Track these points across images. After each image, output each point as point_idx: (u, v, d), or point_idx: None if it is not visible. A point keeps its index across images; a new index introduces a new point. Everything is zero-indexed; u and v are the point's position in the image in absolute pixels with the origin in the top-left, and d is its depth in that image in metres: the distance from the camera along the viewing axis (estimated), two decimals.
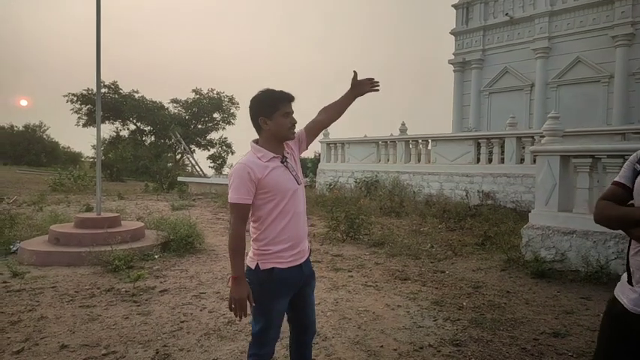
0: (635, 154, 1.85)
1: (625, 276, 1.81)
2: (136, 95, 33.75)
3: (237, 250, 2.20)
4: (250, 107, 2.32)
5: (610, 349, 1.80)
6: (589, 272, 5.39)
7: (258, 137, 2.36)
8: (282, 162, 2.29)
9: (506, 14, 17.31)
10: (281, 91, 2.31)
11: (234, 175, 2.20)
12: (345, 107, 2.63)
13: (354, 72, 2.57)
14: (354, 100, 2.63)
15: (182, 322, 4.08)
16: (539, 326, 4.04)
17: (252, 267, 2.26)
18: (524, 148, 11.08)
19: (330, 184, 15.01)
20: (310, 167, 19.24)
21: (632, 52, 14.27)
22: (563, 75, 15.87)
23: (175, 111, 35.41)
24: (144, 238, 7.07)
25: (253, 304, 2.20)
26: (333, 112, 2.60)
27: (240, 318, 2.21)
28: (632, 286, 1.74)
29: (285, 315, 2.43)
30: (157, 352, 3.45)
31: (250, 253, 2.30)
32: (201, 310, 4.38)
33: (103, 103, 31.05)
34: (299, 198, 2.32)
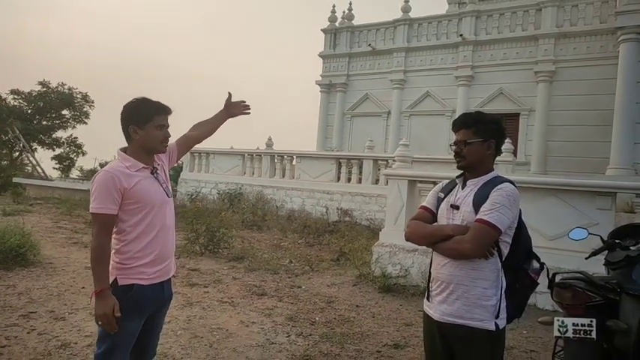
0: (440, 183, 2.29)
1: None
2: None
3: (100, 262, 2.04)
4: (122, 113, 2.19)
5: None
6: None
7: (126, 145, 2.23)
8: (151, 173, 2.20)
9: (369, 45, 18.64)
10: (158, 102, 2.22)
11: (97, 183, 2.05)
12: (218, 126, 2.71)
13: (229, 93, 2.67)
14: (226, 120, 2.72)
15: (2, 347, 3.54)
16: (383, 338, 4.33)
17: (109, 281, 2.08)
18: (379, 170, 11.94)
19: (192, 195, 14.47)
20: (172, 175, 18.36)
21: (471, 91, 16.35)
22: (415, 106, 17.54)
23: (15, 103, 31.10)
24: None
25: (118, 314, 2.02)
26: (205, 129, 2.66)
27: (113, 332, 2.04)
28: (429, 301, 2.17)
29: None
30: None
31: (109, 266, 2.11)
32: (28, 333, 3.85)
33: None
34: (168, 211, 2.24)
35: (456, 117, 2.24)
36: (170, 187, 2.35)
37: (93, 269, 2.06)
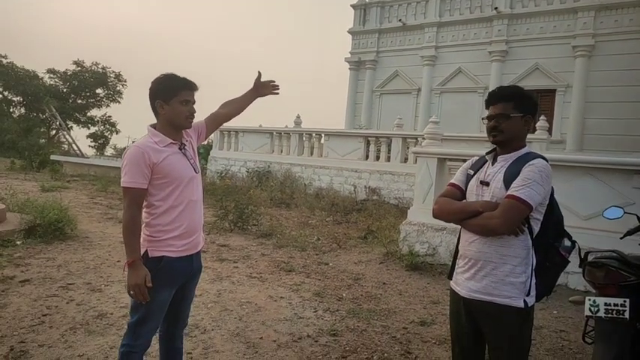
0: (469, 160, 2.24)
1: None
2: (4, 61, 29.89)
3: (131, 234, 2.11)
4: (150, 89, 2.24)
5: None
6: None
7: (155, 122, 2.29)
8: (179, 149, 2.24)
9: (400, 20, 18.23)
10: (184, 78, 2.25)
11: (127, 159, 2.11)
12: (246, 105, 2.73)
13: (259, 72, 2.68)
14: (254, 99, 2.74)
15: (44, 315, 3.72)
16: (409, 315, 4.34)
17: (141, 253, 2.15)
18: (408, 148, 11.80)
19: (222, 173, 14.68)
20: (202, 154, 18.64)
21: (505, 67, 15.86)
22: (446, 83, 17.16)
23: (52, 82, 31.90)
24: (4, 222, 6.31)
25: (149, 285, 2.09)
26: (233, 107, 2.69)
27: (145, 302, 2.12)
28: (454, 278, 2.19)
29: None
30: (12, 349, 3.12)
31: (140, 239, 2.19)
32: (67, 303, 4.03)
33: None
34: (195, 186, 2.29)
35: (491, 90, 2.16)
36: (198, 163, 2.38)
37: (125, 241, 2.13)
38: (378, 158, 12.41)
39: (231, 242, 7.05)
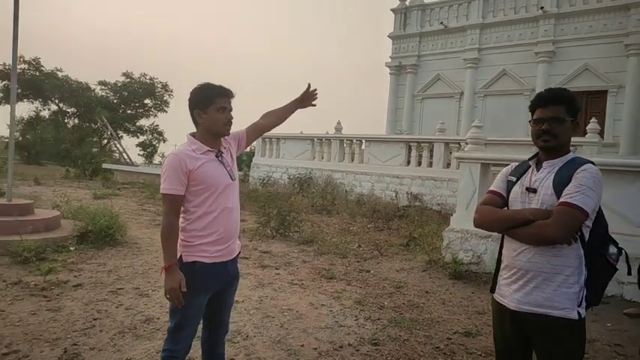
0: (508, 166, 2.15)
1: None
2: (60, 74, 31.57)
3: (168, 239, 2.19)
4: (188, 99, 2.31)
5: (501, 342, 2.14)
6: None
7: (195, 131, 2.35)
8: (216, 156, 2.28)
9: (441, 23, 17.99)
10: (220, 86, 2.31)
11: (166, 166, 2.19)
12: (288, 116, 2.78)
13: (309, 84, 2.72)
14: (296, 110, 2.78)
15: (95, 319, 3.87)
16: (453, 326, 4.24)
17: (177, 258, 2.21)
18: (451, 153, 11.58)
19: (264, 179, 14.90)
20: (245, 160, 18.99)
21: (553, 68, 15.35)
22: (490, 85, 16.77)
23: (103, 94, 33.46)
24: (59, 228, 6.64)
25: (184, 289, 2.15)
26: (275, 117, 2.72)
27: (180, 306, 2.17)
28: (498, 290, 2.11)
29: None
30: (65, 351, 3.26)
31: (177, 244, 2.25)
32: (117, 307, 4.18)
33: (23, 81, 28.79)
34: (231, 193, 2.32)
35: (540, 92, 2.08)
36: (236, 171, 2.41)
37: (163, 245, 2.20)
38: (419, 164, 12.25)
39: (273, 249, 7.12)
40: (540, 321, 1.90)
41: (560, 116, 1.95)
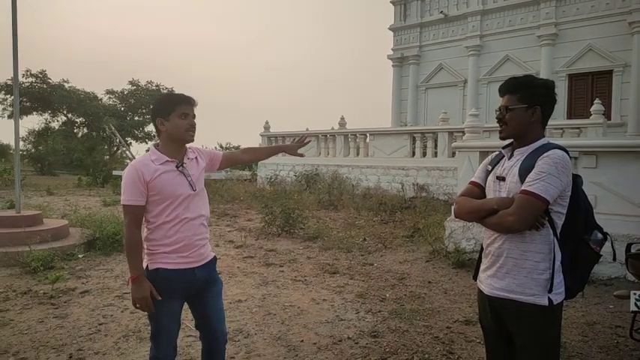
0: (489, 156, 2.17)
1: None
2: (67, 85, 31.95)
3: (131, 252, 2.20)
4: (151, 109, 2.35)
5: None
6: None
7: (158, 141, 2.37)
8: (177, 166, 2.27)
9: (441, 12, 17.87)
10: (181, 94, 2.32)
11: (125, 178, 2.21)
12: (270, 156, 2.91)
13: (308, 139, 2.89)
14: (279, 153, 2.92)
15: (100, 324, 3.97)
16: (454, 315, 4.26)
17: (143, 267, 2.26)
18: (455, 142, 11.53)
19: (271, 178, 14.98)
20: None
21: (556, 51, 15.17)
22: (494, 72, 16.62)
23: (110, 102, 33.84)
24: (67, 237, 6.77)
25: (159, 298, 2.19)
26: (256, 156, 2.87)
27: (150, 313, 2.22)
28: (477, 275, 2.17)
29: (194, 321, 2.48)
30: (71, 357, 3.35)
31: (142, 254, 2.29)
32: (122, 312, 4.28)
33: (31, 94, 29.19)
34: (193, 205, 2.29)
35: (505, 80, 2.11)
36: (200, 181, 2.38)
37: (127, 257, 2.22)
38: (424, 154, 12.24)
39: (278, 247, 7.18)
40: (511, 306, 1.93)
41: (510, 105, 1.99)
